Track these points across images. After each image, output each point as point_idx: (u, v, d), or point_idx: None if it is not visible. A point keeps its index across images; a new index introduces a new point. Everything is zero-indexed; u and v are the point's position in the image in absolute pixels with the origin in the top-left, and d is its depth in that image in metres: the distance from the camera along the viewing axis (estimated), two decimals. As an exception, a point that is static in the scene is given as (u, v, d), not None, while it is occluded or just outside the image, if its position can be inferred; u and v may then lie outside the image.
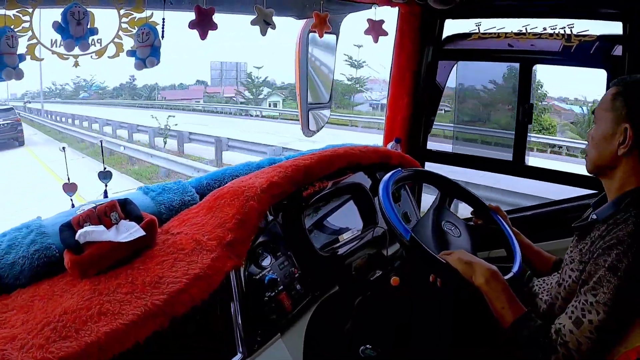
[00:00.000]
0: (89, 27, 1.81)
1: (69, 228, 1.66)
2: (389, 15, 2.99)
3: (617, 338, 1.48)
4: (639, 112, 1.54)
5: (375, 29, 2.85)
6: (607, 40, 2.65)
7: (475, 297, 1.71)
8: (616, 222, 1.55)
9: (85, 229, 1.63)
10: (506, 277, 1.76)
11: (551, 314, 1.67)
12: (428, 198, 2.59)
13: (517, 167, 3.02)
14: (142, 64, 1.97)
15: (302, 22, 3.05)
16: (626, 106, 1.56)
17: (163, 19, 1.97)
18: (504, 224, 2.12)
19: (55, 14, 1.78)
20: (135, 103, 49.26)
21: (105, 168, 2.22)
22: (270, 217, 2.09)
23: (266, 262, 1.98)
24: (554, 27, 2.72)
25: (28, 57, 1.74)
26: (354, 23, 3.25)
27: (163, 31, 1.97)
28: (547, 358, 1.50)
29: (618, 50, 2.61)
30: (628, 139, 1.53)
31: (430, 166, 3.08)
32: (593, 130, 1.66)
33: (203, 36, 2.07)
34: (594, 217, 1.65)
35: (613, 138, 1.57)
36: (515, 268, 1.89)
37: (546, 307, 1.75)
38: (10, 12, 1.70)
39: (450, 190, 2.23)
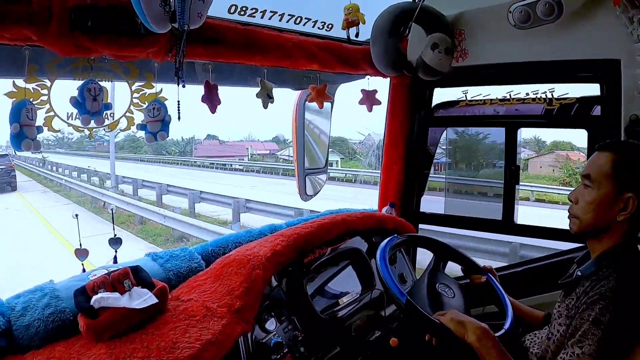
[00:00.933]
0: (103, 102, 1.91)
1: (83, 293, 1.72)
2: (380, 84, 3.12)
3: None
4: None
5: (370, 98, 2.98)
6: (586, 102, 2.77)
7: (469, 354, 1.77)
8: (599, 278, 1.64)
9: (100, 295, 1.69)
10: (499, 333, 1.84)
11: None
12: (423, 254, 2.64)
13: (507, 226, 3.10)
14: (152, 137, 2.07)
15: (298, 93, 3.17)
16: (631, 175, 1.63)
17: (178, 101, 2.06)
18: (496, 283, 2.20)
19: (68, 87, 1.90)
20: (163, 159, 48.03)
21: (115, 235, 2.30)
22: (275, 283, 2.15)
23: (271, 325, 2.04)
24: (536, 92, 2.84)
25: (45, 129, 1.83)
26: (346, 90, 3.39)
27: (179, 112, 2.06)
28: None
29: (597, 111, 2.73)
30: (631, 207, 1.62)
31: (424, 227, 3.18)
32: (587, 195, 1.71)
33: (213, 110, 2.18)
34: (579, 274, 1.73)
35: (614, 204, 1.65)
36: (507, 324, 1.97)
37: None
38: (30, 86, 1.80)
39: (444, 253, 2.30)
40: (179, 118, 2.07)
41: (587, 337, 1.54)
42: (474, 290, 2.24)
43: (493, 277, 2.24)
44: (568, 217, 1.80)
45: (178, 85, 1.97)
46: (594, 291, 1.60)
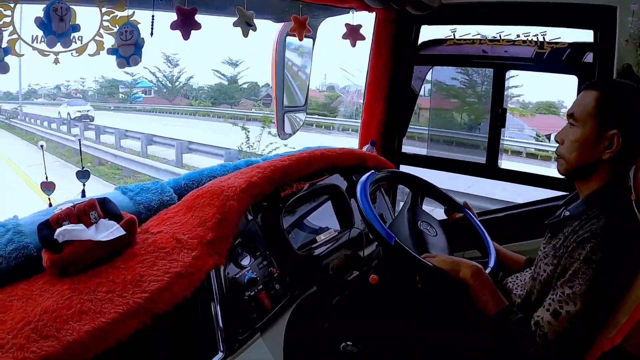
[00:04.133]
0: (71, 23, 1.80)
1: (47, 227, 1.63)
2: (366, 20, 3.01)
3: (594, 328, 1.53)
4: (628, 119, 1.59)
5: (353, 33, 2.88)
6: (578, 48, 2.72)
7: (456, 293, 1.77)
8: (589, 217, 1.61)
9: (64, 227, 1.60)
10: (486, 271, 1.81)
11: (527, 307, 1.72)
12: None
13: (490, 170, 3.08)
14: (124, 62, 1.96)
15: (279, 26, 3.07)
16: (614, 113, 1.60)
17: (152, 16, 1.98)
18: (475, 219, 2.19)
19: (35, 10, 1.78)
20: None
21: (83, 167, 2.21)
22: (250, 217, 2.09)
23: (245, 261, 1.97)
24: (527, 35, 2.78)
25: (10, 52, 1.73)
26: (329, 27, 3.28)
27: (152, 28, 1.98)
28: (527, 349, 1.55)
29: (589, 58, 2.69)
30: (615, 144, 1.58)
31: (405, 169, 3.12)
32: (571, 134, 1.68)
33: (186, 36, 2.08)
34: (567, 213, 1.70)
35: (598, 143, 1.61)
36: (492, 263, 1.96)
37: (521, 301, 1.80)
38: (-7, 7, 1.67)
39: (423, 189, 2.28)
40: (151, 34, 1.98)
41: (578, 277, 1.51)
42: (454, 231, 2.20)
43: (470, 213, 2.22)
44: (556, 159, 1.77)
45: (154, 3, 1.91)
46: (584, 229, 1.57)
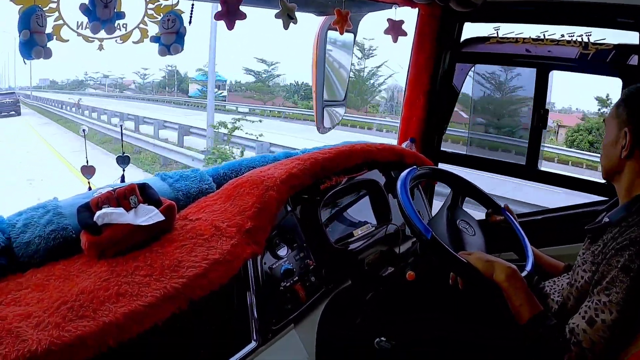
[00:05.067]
0: (115, 10, 1.81)
1: (87, 209, 1.65)
2: (408, 16, 2.99)
3: (629, 337, 1.49)
4: (636, 115, 1.59)
5: (395, 29, 2.85)
6: (624, 50, 2.65)
7: (492, 293, 1.73)
8: (629, 224, 1.56)
9: (104, 210, 1.62)
10: (522, 274, 1.78)
11: (563, 314, 1.68)
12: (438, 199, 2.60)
13: (530, 172, 3.03)
14: (165, 50, 1.97)
15: (320, 20, 3.06)
16: (626, 111, 1.61)
17: (192, 4, 1.96)
18: (515, 222, 2.14)
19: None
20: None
21: (123, 153, 2.22)
22: (289, 209, 2.09)
23: (282, 252, 1.97)
24: (572, 35, 2.72)
25: (54, 38, 1.74)
26: (369, 23, 3.27)
27: (191, 17, 1.97)
28: (561, 356, 1.52)
29: (634, 60, 2.62)
30: (627, 141, 1.58)
31: (443, 167, 3.09)
32: (604, 139, 1.70)
33: (230, 26, 2.07)
34: (607, 220, 1.66)
35: (617, 143, 1.62)
36: (529, 267, 1.91)
37: (558, 307, 1.77)
38: (38, -8, 1.69)
39: (464, 189, 2.24)
40: (190, 22, 1.98)
41: (615, 285, 1.48)
42: (492, 232, 2.17)
43: (511, 216, 2.16)
44: None
45: None
46: (623, 237, 1.52)
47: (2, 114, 31.20)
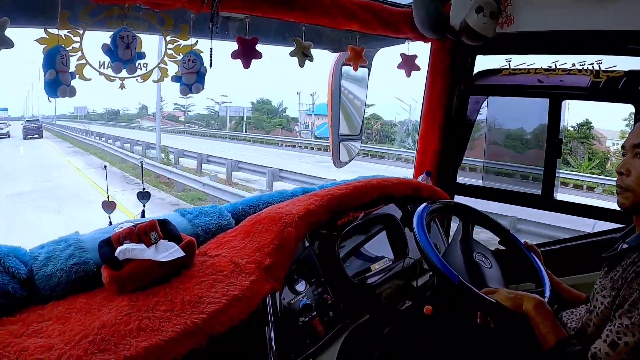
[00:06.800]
0: (136, 51, 1.87)
1: (108, 244, 1.67)
2: (420, 50, 3.04)
3: None
4: None
5: (409, 63, 2.90)
6: (635, 76, 2.65)
7: (517, 326, 1.73)
8: None
9: (125, 246, 1.65)
10: None
11: (581, 341, 1.66)
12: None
13: (546, 201, 3.02)
14: (187, 89, 2.03)
15: (334, 55, 3.11)
16: None
17: (211, 48, 2.03)
18: (537, 261, 2.12)
19: (100, 37, 1.86)
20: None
21: (144, 189, 2.26)
22: (307, 244, 2.10)
23: (300, 287, 1.99)
24: (583, 63, 2.73)
25: (77, 77, 1.81)
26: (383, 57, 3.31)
27: (211, 60, 2.03)
28: None
29: None
30: None
31: (459, 199, 3.09)
32: (633, 167, 1.63)
33: (246, 65, 2.12)
34: (625, 246, 1.65)
35: None
36: (547, 293, 1.91)
37: (574, 334, 1.75)
38: (62, 32, 1.76)
39: (475, 219, 2.27)
40: (210, 66, 2.03)
41: (637, 307, 1.46)
42: (507, 262, 2.16)
43: (535, 256, 2.14)
44: (617, 192, 1.70)
45: (212, 31, 1.95)
46: None
47: (28, 136, 40.56)
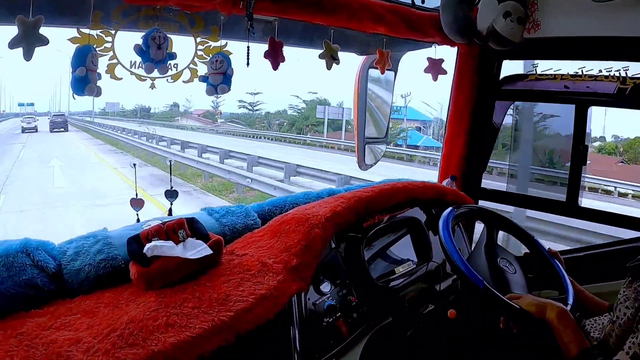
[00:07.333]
0: (167, 51, 1.89)
1: (136, 241, 1.69)
2: (447, 55, 3.03)
3: None
4: None
5: (435, 67, 2.90)
6: None
7: (540, 333, 1.73)
8: None
9: (154, 243, 1.67)
10: None
11: (604, 351, 1.65)
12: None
13: (571, 208, 3.00)
14: (213, 89, 2.05)
15: (361, 58, 3.12)
16: None
17: (248, 47, 2.06)
18: (560, 268, 2.11)
19: (129, 37, 1.90)
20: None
21: (172, 187, 2.28)
22: (333, 246, 2.11)
23: (326, 288, 1.99)
24: (609, 70, 2.70)
25: (107, 76, 1.84)
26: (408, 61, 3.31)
27: (248, 59, 2.06)
28: None
29: None
30: None
31: (483, 204, 3.09)
32: None
33: (275, 67, 2.14)
34: None
35: None
36: (570, 300, 1.91)
37: (597, 344, 1.73)
38: (94, 32, 1.79)
39: (500, 225, 2.26)
40: (247, 64, 2.06)
41: None
42: (530, 267, 2.16)
43: (559, 263, 2.14)
44: None
45: (248, 32, 1.96)
46: None
47: (54, 130, 44.99)
